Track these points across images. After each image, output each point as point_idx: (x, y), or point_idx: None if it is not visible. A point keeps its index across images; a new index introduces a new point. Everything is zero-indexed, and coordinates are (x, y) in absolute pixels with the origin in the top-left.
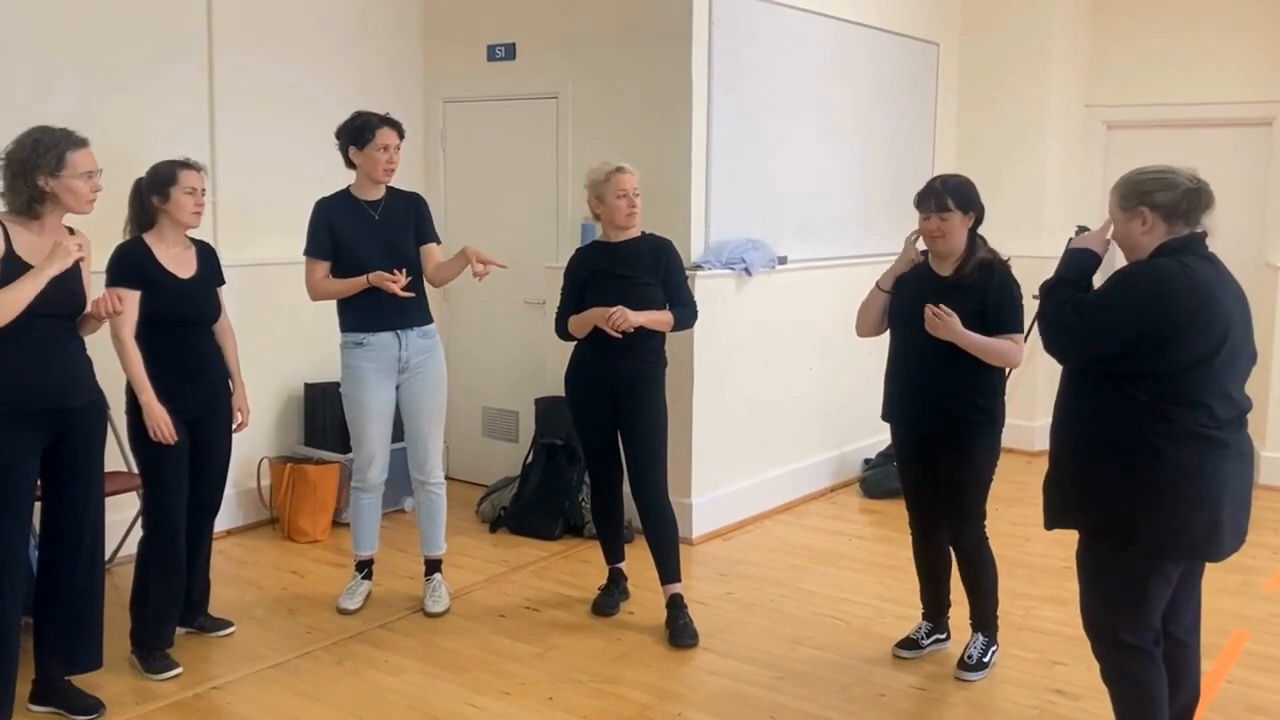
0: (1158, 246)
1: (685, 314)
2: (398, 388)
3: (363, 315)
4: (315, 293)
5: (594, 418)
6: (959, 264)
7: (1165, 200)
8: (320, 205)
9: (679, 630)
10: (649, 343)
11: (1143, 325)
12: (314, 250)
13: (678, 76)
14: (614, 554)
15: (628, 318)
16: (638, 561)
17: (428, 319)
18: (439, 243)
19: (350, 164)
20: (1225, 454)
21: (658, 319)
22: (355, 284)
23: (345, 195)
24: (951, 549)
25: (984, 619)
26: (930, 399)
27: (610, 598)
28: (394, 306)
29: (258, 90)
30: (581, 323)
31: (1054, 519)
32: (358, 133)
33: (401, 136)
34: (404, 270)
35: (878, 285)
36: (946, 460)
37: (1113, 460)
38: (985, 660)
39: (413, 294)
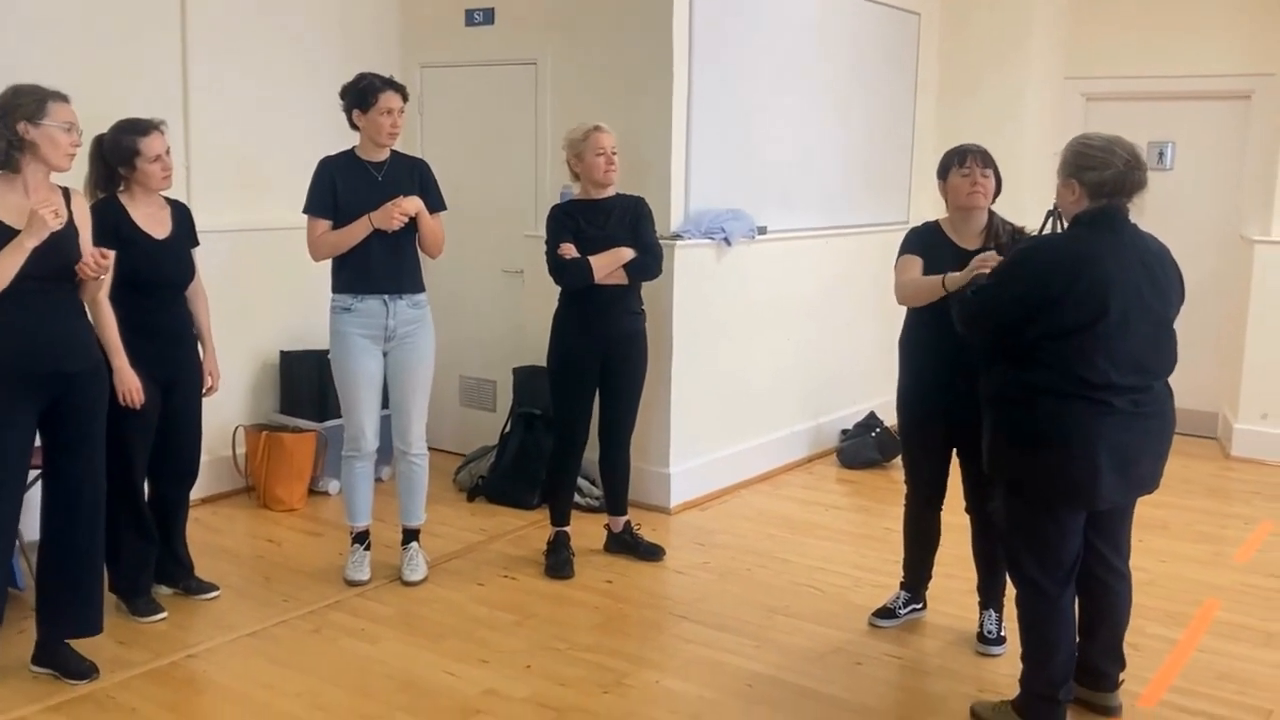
0: (1075, 215)
1: (647, 260)
2: (385, 355)
3: (355, 276)
4: (317, 249)
5: (586, 380)
6: (985, 234)
7: (1092, 180)
8: (324, 163)
9: (649, 549)
10: (632, 298)
11: (1023, 296)
12: (315, 208)
13: (658, 44)
14: (566, 516)
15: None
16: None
17: (419, 287)
18: (444, 209)
19: (354, 126)
20: (1102, 410)
21: (618, 256)
22: (357, 227)
23: (350, 155)
24: (975, 521)
25: (997, 594)
26: (965, 374)
27: (566, 560)
28: (385, 270)
29: (233, 56)
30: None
31: (985, 463)
32: (361, 95)
33: (405, 99)
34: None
35: (944, 284)
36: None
37: (1001, 410)
38: (1005, 634)
39: (414, 211)
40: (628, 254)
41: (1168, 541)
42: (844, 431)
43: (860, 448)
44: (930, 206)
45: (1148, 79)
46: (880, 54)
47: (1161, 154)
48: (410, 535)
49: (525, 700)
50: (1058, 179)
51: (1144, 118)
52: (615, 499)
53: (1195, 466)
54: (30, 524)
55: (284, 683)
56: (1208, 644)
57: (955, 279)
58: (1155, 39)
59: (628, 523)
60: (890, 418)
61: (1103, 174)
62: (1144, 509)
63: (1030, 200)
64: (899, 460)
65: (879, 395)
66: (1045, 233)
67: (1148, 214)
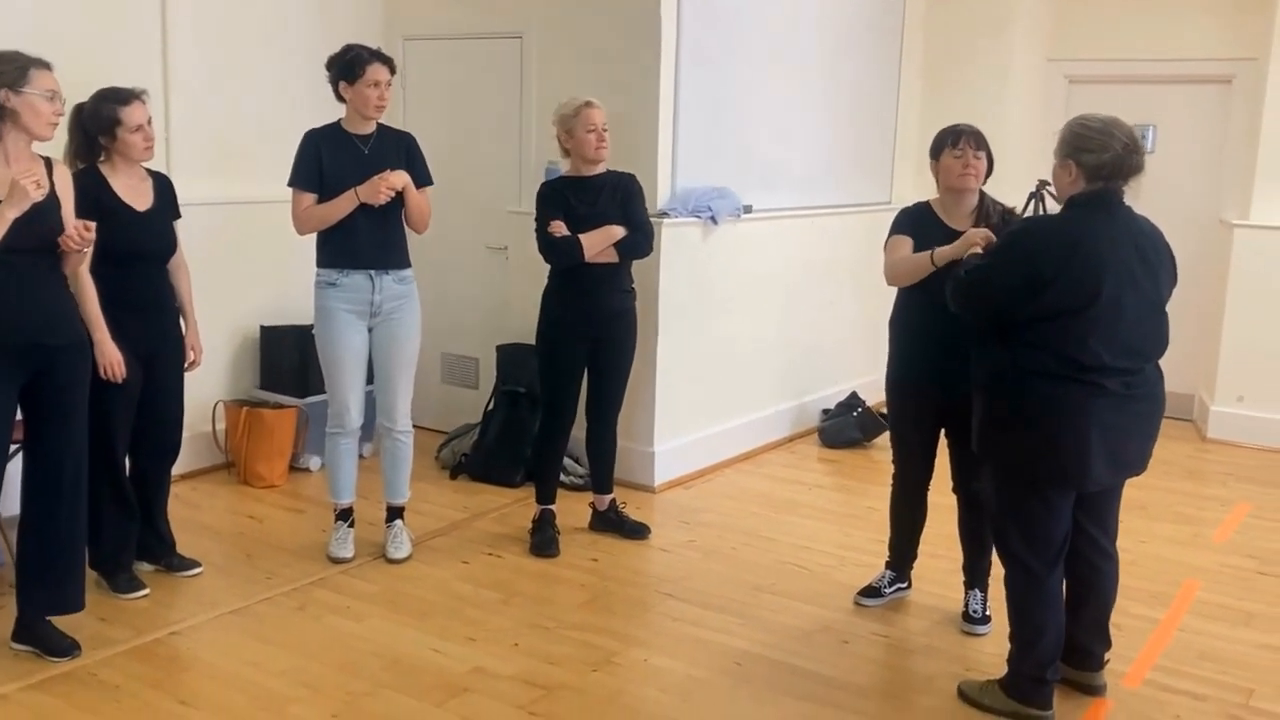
0: (1070, 197)
1: (638, 238)
2: (370, 330)
3: (341, 250)
4: (302, 223)
5: (574, 358)
6: (976, 215)
7: (1090, 162)
8: (310, 136)
9: (635, 527)
10: (622, 277)
11: (1016, 279)
12: (301, 181)
13: (645, 20)
14: (552, 495)
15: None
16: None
17: (405, 263)
18: (431, 184)
19: (340, 98)
20: (1094, 392)
21: (608, 234)
22: (343, 201)
23: (336, 128)
24: (961, 501)
25: (982, 574)
26: (956, 354)
27: (551, 539)
28: (370, 247)
29: (214, 26)
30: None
31: (975, 445)
32: (348, 67)
33: (393, 72)
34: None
35: (932, 259)
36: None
37: (993, 391)
38: (989, 614)
39: (401, 185)
40: (619, 232)
41: (1147, 522)
42: (825, 411)
43: (842, 427)
44: (913, 187)
45: (1130, 62)
46: (866, 34)
47: (1143, 137)
48: (394, 512)
49: (513, 678)
50: (1054, 159)
51: (1126, 101)
52: (601, 477)
53: (1172, 448)
54: (10, 499)
55: (269, 660)
56: (1189, 624)
57: (944, 254)
58: (1138, 22)
59: (613, 501)
60: (872, 397)
61: (1101, 156)
62: (1124, 490)
63: (1013, 181)
64: (880, 440)
65: (861, 375)
66: (1029, 213)
67: (1129, 197)
